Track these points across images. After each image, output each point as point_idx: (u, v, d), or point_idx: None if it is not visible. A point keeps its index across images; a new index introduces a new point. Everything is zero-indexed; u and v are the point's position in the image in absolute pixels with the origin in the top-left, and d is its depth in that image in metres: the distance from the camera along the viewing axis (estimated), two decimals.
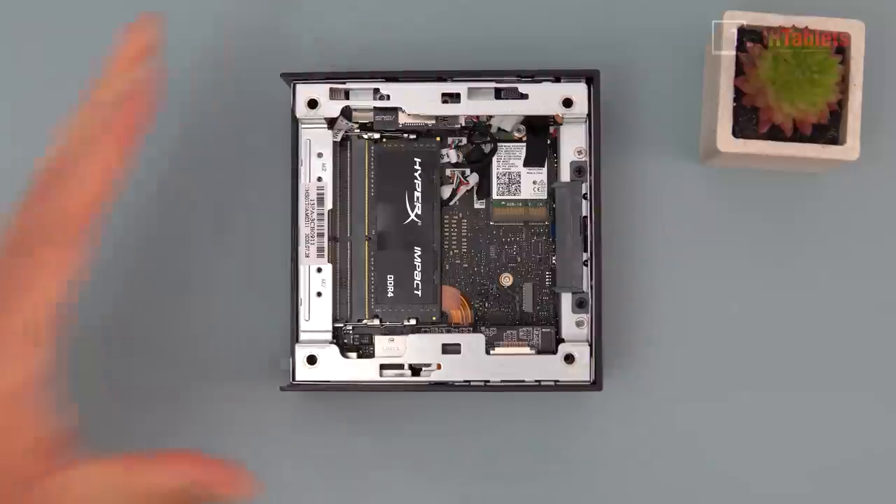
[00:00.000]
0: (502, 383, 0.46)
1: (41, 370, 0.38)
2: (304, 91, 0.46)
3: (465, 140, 0.48)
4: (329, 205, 0.47)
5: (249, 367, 0.43)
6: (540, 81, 0.47)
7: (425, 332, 0.47)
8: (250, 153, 0.44)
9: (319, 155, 0.47)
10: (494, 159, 0.48)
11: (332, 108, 0.47)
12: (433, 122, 0.47)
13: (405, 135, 0.47)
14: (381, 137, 0.48)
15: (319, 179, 0.47)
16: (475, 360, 0.46)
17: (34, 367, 0.38)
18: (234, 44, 0.47)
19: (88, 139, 0.40)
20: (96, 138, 0.40)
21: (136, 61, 0.40)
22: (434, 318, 0.47)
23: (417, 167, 0.47)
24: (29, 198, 0.40)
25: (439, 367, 0.46)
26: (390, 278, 0.47)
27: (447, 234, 0.48)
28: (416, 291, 0.47)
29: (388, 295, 0.47)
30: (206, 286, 0.43)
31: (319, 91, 0.47)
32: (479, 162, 0.48)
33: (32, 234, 0.39)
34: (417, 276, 0.47)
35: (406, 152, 0.48)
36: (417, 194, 0.47)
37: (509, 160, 0.48)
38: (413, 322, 0.47)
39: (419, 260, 0.47)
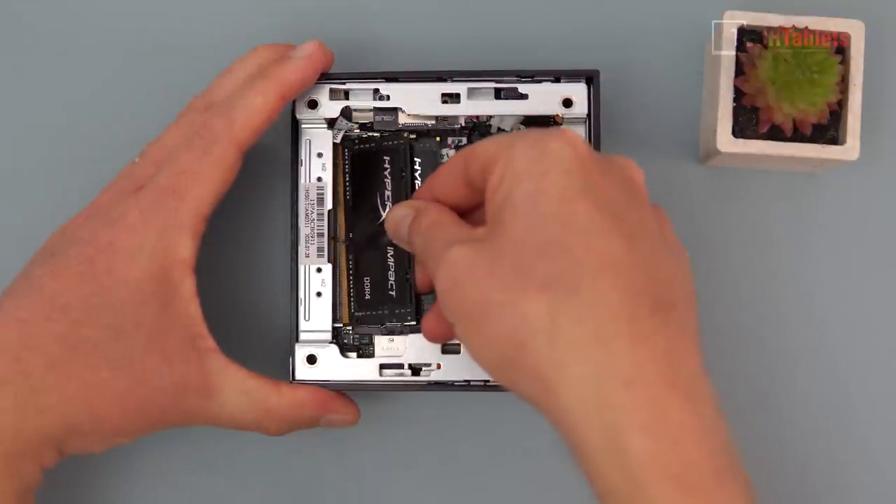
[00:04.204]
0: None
1: (193, 258, 0.43)
2: (304, 91, 0.46)
3: (465, 140, 0.48)
4: (329, 205, 0.47)
5: (249, 366, 0.43)
6: (540, 81, 0.47)
7: None
8: (250, 153, 0.44)
9: (319, 155, 0.47)
10: None
11: (332, 109, 0.47)
12: (433, 122, 0.47)
13: (375, 133, 0.47)
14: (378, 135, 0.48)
15: (319, 179, 0.47)
16: None
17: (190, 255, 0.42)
18: (233, 45, 0.47)
19: (248, 80, 0.44)
20: (257, 81, 0.44)
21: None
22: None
23: (418, 167, 0.47)
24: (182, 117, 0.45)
25: (439, 366, 0.46)
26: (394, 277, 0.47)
27: None
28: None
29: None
30: (205, 285, 0.43)
31: (319, 91, 0.47)
32: None
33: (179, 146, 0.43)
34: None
35: (416, 151, 0.47)
36: None
37: None
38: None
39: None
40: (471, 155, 0.40)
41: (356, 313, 0.47)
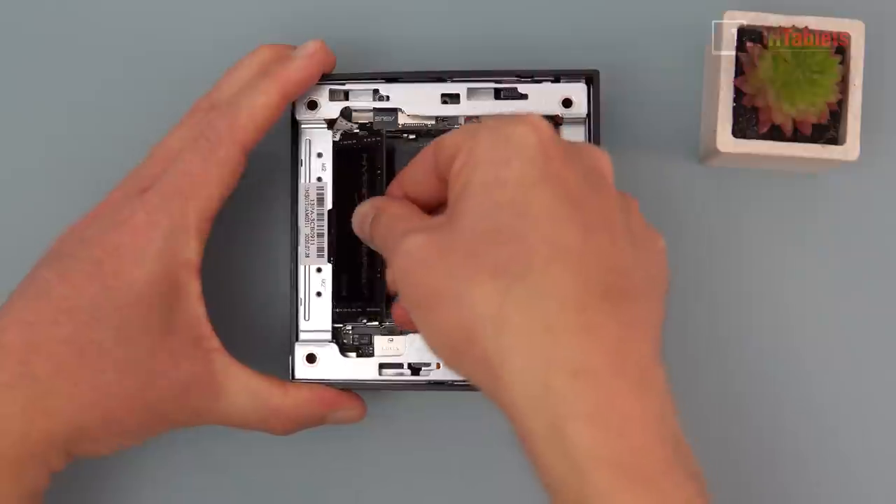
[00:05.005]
0: None
1: (198, 259, 0.43)
2: (306, 91, 0.46)
3: None
4: (329, 205, 0.47)
5: (249, 365, 0.43)
6: (540, 81, 0.47)
7: None
8: (251, 154, 0.44)
9: (319, 155, 0.47)
10: None
11: (332, 110, 0.47)
12: (433, 122, 0.47)
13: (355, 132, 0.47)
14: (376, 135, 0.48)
15: (319, 179, 0.47)
16: None
17: (195, 257, 0.42)
18: (235, 46, 0.47)
19: (251, 80, 0.44)
20: (260, 80, 0.44)
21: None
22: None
23: None
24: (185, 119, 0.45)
25: (439, 366, 0.46)
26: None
27: None
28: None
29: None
30: (205, 285, 0.43)
31: (319, 92, 0.47)
32: None
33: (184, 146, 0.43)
34: None
35: (405, 151, 0.47)
36: None
37: None
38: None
39: None
40: (439, 147, 0.39)
41: (335, 309, 0.47)
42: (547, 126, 0.38)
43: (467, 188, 0.37)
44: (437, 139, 0.40)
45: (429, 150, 0.41)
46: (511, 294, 0.35)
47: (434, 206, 0.42)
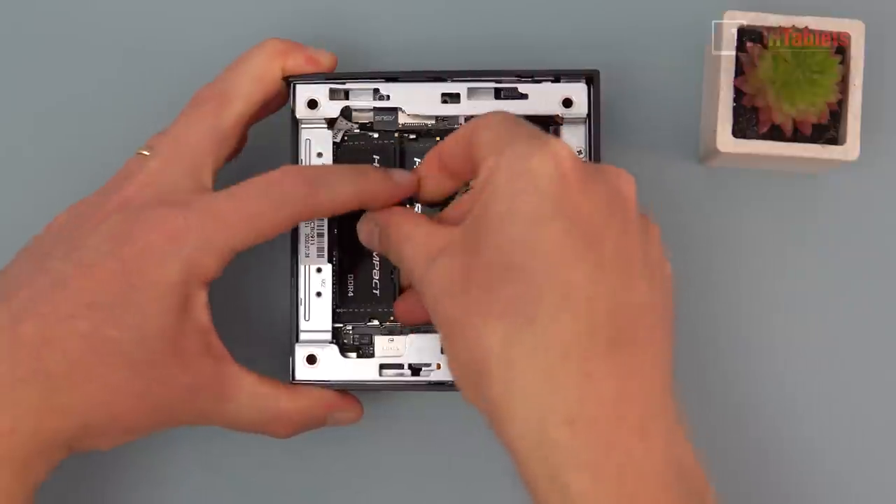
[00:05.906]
0: None
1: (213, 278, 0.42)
2: (304, 91, 0.46)
3: None
4: None
5: (249, 366, 0.43)
6: (540, 81, 0.47)
7: (425, 331, 0.47)
8: (251, 153, 0.44)
9: (319, 155, 0.47)
10: None
11: (332, 109, 0.47)
12: (433, 122, 0.47)
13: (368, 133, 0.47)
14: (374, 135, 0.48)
15: None
16: None
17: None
18: (235, 46, 0.47)
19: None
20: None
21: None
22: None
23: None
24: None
25: (439, 367, 0.46)
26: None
27: None
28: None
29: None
30: None
31: (319, 91, 0.47)
32: None
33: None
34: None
35: (407, 151, 0.47)
36: None
37: None
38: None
39: None
40: (475, 132, 0.39)
41: (337, 309, 0.47)
42: (568, 154, 0.37)
43: (484, 217, 0.37)
44: (475, 121, 0.40)
45: (467, 130, 0.40)
46: (517, 337, 0.35)
47: (466, 179, 0.42)
